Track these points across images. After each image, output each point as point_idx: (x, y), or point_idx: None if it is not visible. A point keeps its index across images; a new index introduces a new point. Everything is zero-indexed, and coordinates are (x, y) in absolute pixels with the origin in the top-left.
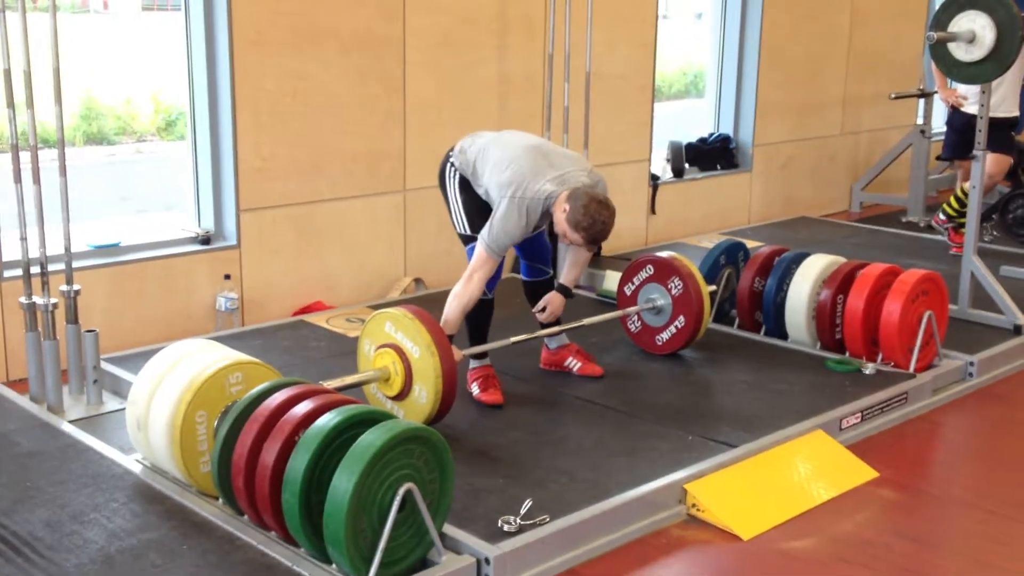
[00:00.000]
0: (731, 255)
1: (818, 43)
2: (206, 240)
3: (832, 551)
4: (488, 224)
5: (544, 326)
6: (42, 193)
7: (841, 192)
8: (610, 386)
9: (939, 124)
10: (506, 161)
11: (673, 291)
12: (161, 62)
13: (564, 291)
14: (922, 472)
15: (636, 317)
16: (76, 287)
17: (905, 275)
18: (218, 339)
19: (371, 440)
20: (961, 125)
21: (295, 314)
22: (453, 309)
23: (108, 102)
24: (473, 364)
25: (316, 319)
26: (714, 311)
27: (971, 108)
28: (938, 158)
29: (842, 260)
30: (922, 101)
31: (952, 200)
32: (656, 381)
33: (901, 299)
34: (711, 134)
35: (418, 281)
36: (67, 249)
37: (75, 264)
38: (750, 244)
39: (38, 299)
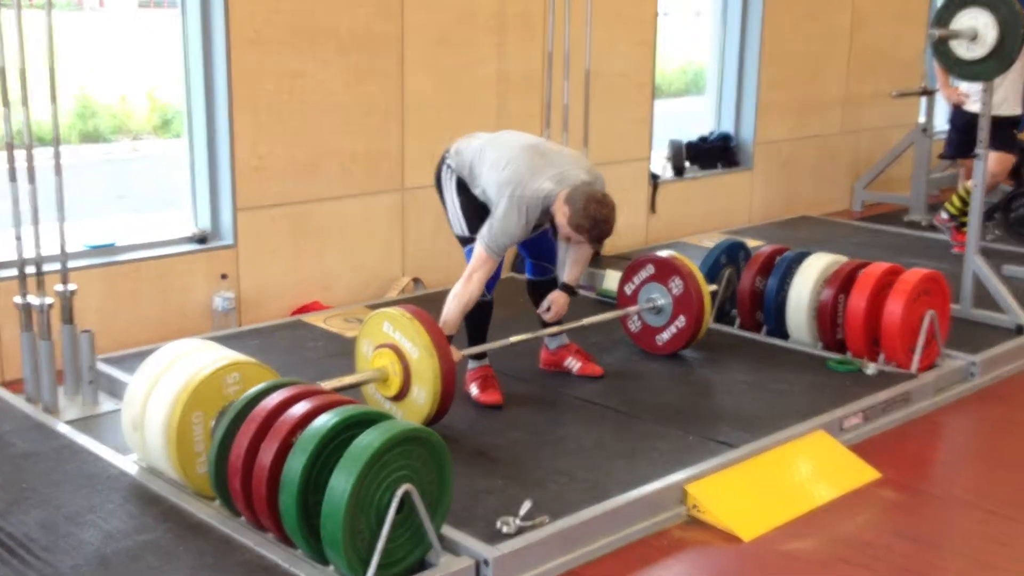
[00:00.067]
0: (732, 254)
1: (819, 41)
2: (203, 239)
3: (833, 552)
4: (487, 224)
5: (546, 325)
6: (37, 192)
7: (842, 191)
8: (610, 386)
9: (941, 122)
10: (504, 160)
11: (674, 291)
12: (158, 60)
13: (568, 289)
14: (924, 473)
15: (636, 317)
16: (72, 287)
17: (907, 274)
18: (215, 339)
19: (369, 441)
20: (963, 124)
21: (292, 314)
22: (452, 310)
23: (104, 100)
24: (472, 364)
25: (314, 319)
26: (715, 311)
27: (973, 106)
28: (940, 156)
29: (843, 259)
30: (924, 99)
31: (955, 199)
32: (656, 381)
33: (903, 299)
34: (711, 132)
35: (417, 281)
36: (62, 248)
37: (71, 264)
38: (751, 243)
39: (33, 299)
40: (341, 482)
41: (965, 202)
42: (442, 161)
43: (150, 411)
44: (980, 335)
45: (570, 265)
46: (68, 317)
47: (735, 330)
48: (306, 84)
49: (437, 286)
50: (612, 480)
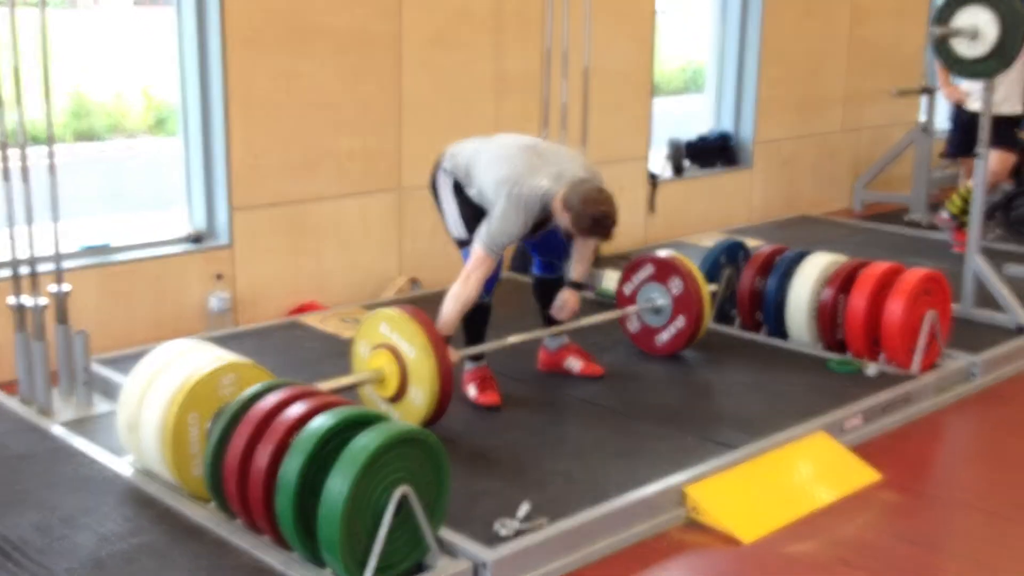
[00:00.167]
0: (731, 254)
1: (818, 39)
2: (198, 239)
3: (834, 554)
4: (486, 223)
5: (551, 324)
6: (31, 191)
7: (842, 190)
8: (609, 387)
9: (942, 121)
10: (500, 160)
11: (673, 291)
12: (152, 58)
13: (576, 287)
14: (925, 474)
15: (635, 317)
16: (66, 287)
17: (907, 274)
18: (210, 340)
19: (366, 443)
20: (964, 122)
21: (289, 314)
22: (450, 310)
23: (98, 99)
24: (469, 365)
25: (310, 319)
26: (714, 311)
27: (974, 105)
28: (941, 155)
29: (844, 259)
30: (925, 98)
31: (956, 198)
32: (656, 382)
33: (903, 298)
34: (711, 131)
35: (414, 281)
36: (57, 249)
37: (65, 264)
38: (751, 243)
39: (27, 300)
40: (338, 484)
41: (966, 201)
42: (437, 166)
43: (145, 412)
44: (981, 335)
45: (576, 262)
46: (62, 318)
47: (735, 330)
48: (302, 83)
49: (434, 286)
50: (611, 482)
